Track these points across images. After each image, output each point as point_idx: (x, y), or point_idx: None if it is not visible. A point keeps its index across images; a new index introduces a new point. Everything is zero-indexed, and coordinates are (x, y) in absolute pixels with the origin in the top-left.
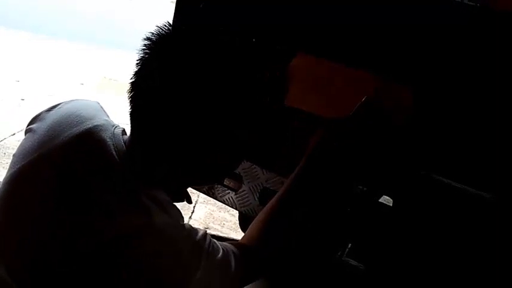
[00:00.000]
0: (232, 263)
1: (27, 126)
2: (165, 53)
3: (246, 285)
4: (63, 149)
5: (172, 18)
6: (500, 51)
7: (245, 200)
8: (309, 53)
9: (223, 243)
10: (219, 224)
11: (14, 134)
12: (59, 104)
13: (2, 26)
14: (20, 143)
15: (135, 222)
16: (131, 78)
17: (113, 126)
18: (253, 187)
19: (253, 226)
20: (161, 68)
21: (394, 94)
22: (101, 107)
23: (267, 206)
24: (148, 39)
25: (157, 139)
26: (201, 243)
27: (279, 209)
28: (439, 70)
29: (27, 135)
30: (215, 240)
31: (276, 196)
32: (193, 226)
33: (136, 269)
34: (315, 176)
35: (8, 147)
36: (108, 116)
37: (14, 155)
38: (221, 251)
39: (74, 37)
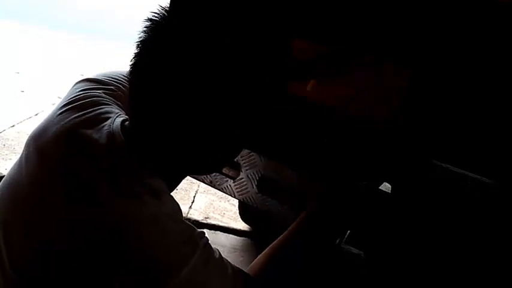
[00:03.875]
0: (230, 271)
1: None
2: (166, 35)
3: None
4: (63, 137)
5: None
6: (500, 43)
7: (243, 187)
8: (305, 38)
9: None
10: (219, 214)
11: (13, 126)
12: (78, 83)
13: (3, 18)
14: (19, 134)
15: (129, 211)
16: (131, 60)
17: (117, 114)
18: (251, 175)
19: (256, 261)
20: (162, 51)
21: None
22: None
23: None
24: (149, 20)
25: (156, 127)
26: (196, 239)
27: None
28: (439, 56)
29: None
30: (215, 248)
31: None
32: (191, 224)
33: (130, 257)
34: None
35: (8, 139)
36: (118, 99)
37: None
38: (218, 254)
39: (74, 29)
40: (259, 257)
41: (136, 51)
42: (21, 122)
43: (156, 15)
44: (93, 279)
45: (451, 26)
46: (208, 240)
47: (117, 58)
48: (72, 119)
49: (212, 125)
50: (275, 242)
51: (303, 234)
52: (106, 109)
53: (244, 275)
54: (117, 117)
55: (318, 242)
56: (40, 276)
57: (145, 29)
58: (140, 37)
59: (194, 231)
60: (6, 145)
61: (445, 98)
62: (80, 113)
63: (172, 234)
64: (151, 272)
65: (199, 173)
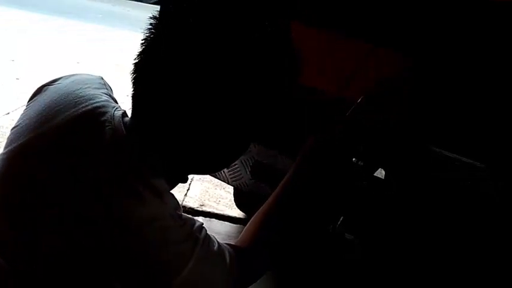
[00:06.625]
0: (227, 259)
1: (30, 98)
2: (172, 34)
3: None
4: (60, 131)
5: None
6: (500, 41)
7: (237, 174)
8: (307, 24)
9: (221, 242)
10: (214, 201)
11: (8, 113)
12: (60, 78)
13: None
14: (14, 122)
15: (130, 211)
16: (135, 59)
17: (114, 107)
18: (245, 161)
19: (248, 227)
20: (168, 50)
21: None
22: (104, 83)
23: (263, 206)
24: (154, 18)
25: (160, 127)
26: (196, 234)
27: (276, 210)
28: (439, 43)
29: (27, 107)
30: (212, 235)
31: (272, 196)
32: (190, 216)
33: (130, 257)
34: (310, 179)
35: (2, 126)
36: (111, 91)
37: (11, 130)
38: (217, 244)
39: (69, 15)
40: (249, 223)
41: (140, 49)
42: (16, 109)
43: (161, 13)
44: (89, 277)
45: (451, 23)
46: (206, 231)
47: (113, 44)
48: (70, 112)
49: (219, 123)
50: (265, 203)
51: (295, 186)
52: (102, 103)
53: (237, 255)
54: (115, 111)
55: (315, 188)
56: (31, 269)
57: (150, 27)
58: (145, 35)
59: (193, 226)
60: (0, 132)
61: (444, 89)
62: (79, 105)
63: (172, 234)
64: (152, 272)
65: (203, 172)
